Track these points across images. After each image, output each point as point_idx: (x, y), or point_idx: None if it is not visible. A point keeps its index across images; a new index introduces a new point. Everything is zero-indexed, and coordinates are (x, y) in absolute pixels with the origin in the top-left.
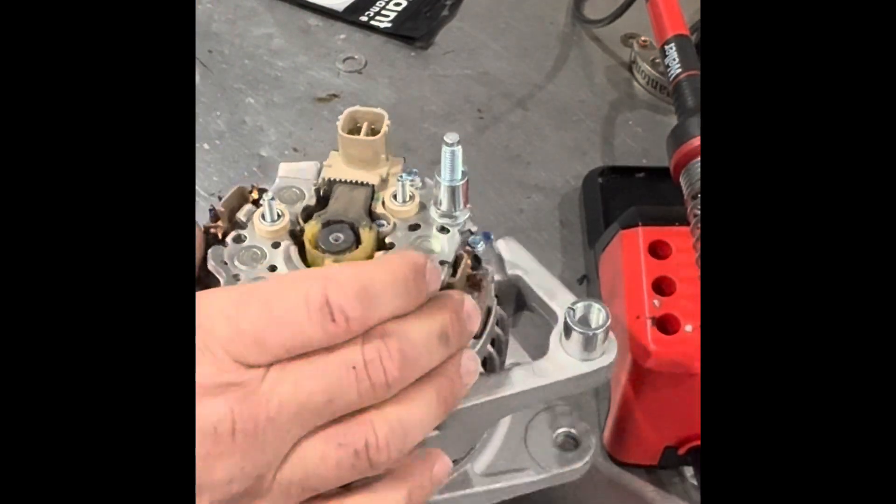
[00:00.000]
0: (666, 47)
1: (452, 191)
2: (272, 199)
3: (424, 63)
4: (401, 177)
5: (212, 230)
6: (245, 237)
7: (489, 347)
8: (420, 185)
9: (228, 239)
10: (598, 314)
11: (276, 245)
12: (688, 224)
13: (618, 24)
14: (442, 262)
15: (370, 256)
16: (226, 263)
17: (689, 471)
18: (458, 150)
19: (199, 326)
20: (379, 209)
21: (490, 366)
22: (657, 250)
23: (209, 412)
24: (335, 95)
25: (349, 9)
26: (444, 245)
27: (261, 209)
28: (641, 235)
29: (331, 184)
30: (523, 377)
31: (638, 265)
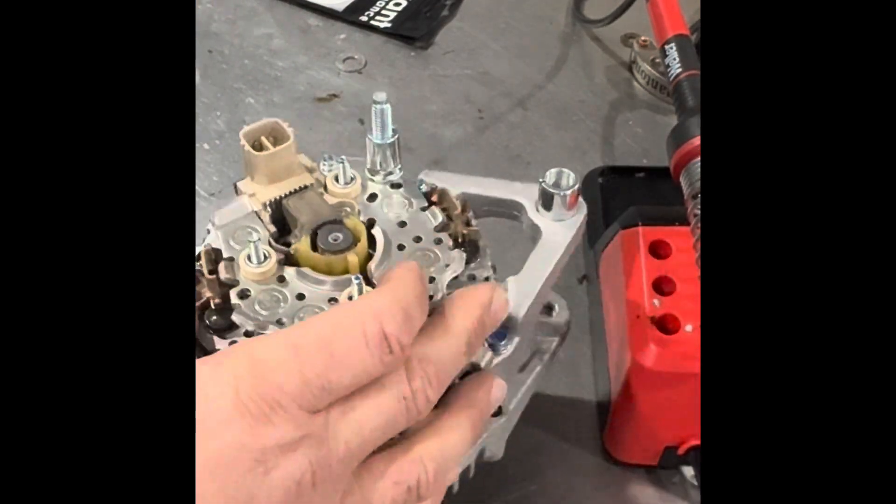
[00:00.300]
0: (666, 47)
1: (391, 147)
2: (258, 240)
3: (424, 63)
4: (341, 160)
5: (213, 302)
6: (249, 291)
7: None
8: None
9: (234, 299)
10: (567, 176)
11: (281, 279)
12: (688, 224)
13: (618, 24)
14: (424, 209)
15: (371, 241)
16: (258, 319)
17: (689, 471)
18: (388, 107)
19: (266, 382)
20: (331, 200)
21: None
22: (657, 250)
23: (292, 469)
24: (335, 95)
25: (349, 9)
26: (412, 198)
27: (244, 253)
28: (641, 235)
29: (277, 204)
30: (541, 261)
31: (638, 265)
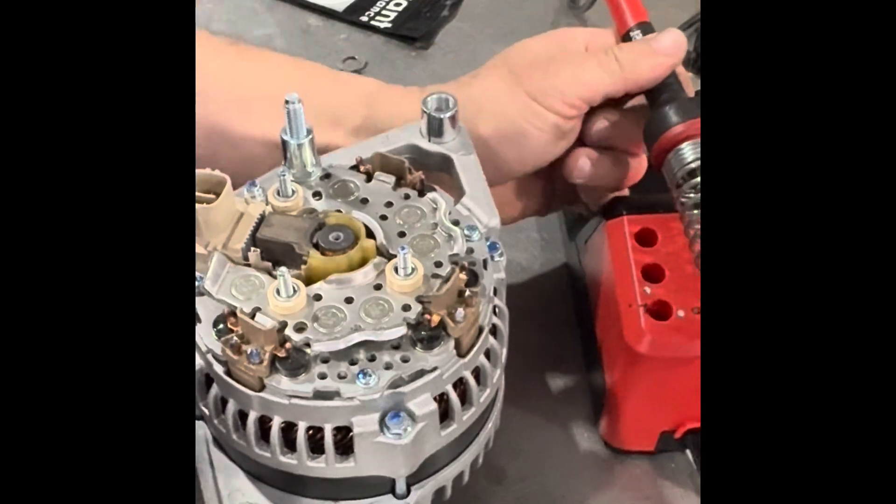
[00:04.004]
0: (631, 34)
1: (309, 146)
2: (283, 274)
3: (424, 63)
4: (282, 174)
5: (278, 353)
6: (303, 323)
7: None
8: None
9: (296, 336)
10: (445, 100)
11: (317, 297)
12: (672, 211)
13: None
14: (369, 180)
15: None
16: (335, 337)
17: (687, 455)
18: (300, 107)
19: None
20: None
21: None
22: (643, 239)
23: None
24: None
25: (349, 9)
26: (353, 179)
27: (273, 285)
28: (627, 225)
29: (262, 243)
30: (473, 176)
31: (626, 254)
